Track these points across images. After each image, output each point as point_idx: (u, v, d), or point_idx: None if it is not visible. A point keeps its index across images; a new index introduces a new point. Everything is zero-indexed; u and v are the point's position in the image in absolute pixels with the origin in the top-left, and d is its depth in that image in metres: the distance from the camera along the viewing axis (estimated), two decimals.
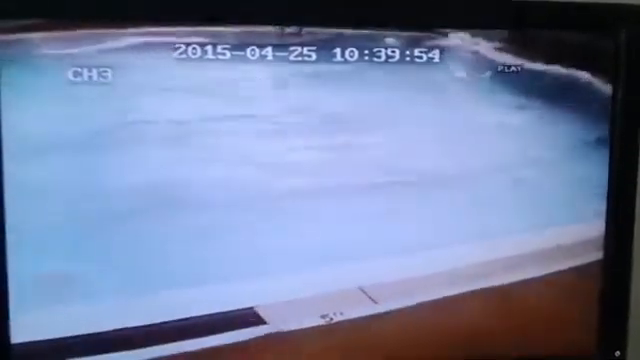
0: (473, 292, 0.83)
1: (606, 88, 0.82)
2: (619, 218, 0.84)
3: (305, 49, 0.76)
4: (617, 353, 0.86)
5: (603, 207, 0.84)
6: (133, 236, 0.76)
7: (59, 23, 0.72)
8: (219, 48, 0.75)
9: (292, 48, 0.76)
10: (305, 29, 0.76)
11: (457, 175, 0.82)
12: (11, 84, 0.72)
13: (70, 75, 0.72)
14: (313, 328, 0.80)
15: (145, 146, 0.75)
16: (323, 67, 0.77)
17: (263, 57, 0.75)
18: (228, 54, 0.75)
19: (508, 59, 0.80)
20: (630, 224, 0.84)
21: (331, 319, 0.81)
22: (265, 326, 0.79)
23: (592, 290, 0.86)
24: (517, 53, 0.80)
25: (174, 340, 0.78)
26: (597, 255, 0.85)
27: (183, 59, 0.74)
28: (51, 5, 0.72)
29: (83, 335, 0.76)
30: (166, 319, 0.77)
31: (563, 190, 0.84)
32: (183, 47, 0.74)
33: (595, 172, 0.84)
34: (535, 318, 0.85)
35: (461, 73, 0.80)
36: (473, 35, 0.79)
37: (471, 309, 0.84)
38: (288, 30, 0.76)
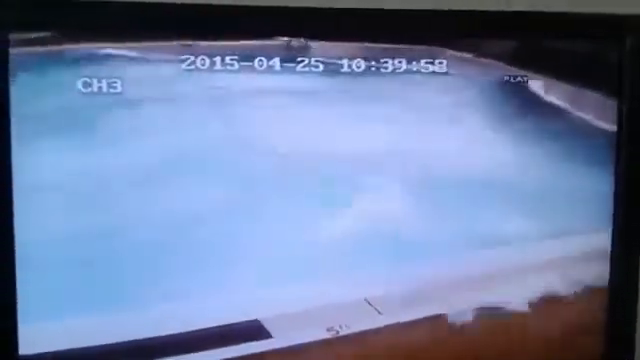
0: (479, 303, 0.83)
1: (611, 97, 0.83)
2: (626, 228, 0.84)
3: (312, 60, 0.77)
4: None
5: (610, 217, 0.84)
6: (138, 249, 0.76)
7: (70, 35, 0.72)
8: (227, 59, 0.75)
9: (299, 59, 0.76)
10: (311, 42, 0.77)
11: (462, 186, 0.81)
12: (22, 95, 0.72)
13: (80, 86, 0.73)
14: (319, 341, 0.80)
15: (150, 154, 0.75)
16: (330, 78, 0.77)
17: (270, 68, 0.76)
18: (236, 65, 0.75)
19: (512, 70, 0.81)
20: (637, 234, 0.84)
21: (337, 332, 0.80)
22: (270, 339, 0.79)
23: (599, 299, 0.86)
24: (521, 64, 0.81)
25: (179, 353, 0.77)
26: (604, 265, 0.85)
27: (191, 70, 0.75)
28: (62, 17, 0.73)
29: (89, 347, 0.75)
30: (172, 331, 0.77)
31: (569, 201, 0.84)
32: (192, 58, 0.74)
33: (601, 182, 0.84)
34: (542, 328, 0.85)
35: (466, 84, 0.80)
36: (477, 46, 0.80)
37: (477, 320, 0.83)
38: (295, 43, 0.76)
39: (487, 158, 0.82)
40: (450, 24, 0.79)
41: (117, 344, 0.76)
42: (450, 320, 0.83)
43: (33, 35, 0.71)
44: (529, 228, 0.83)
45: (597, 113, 0.83)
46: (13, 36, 0.71)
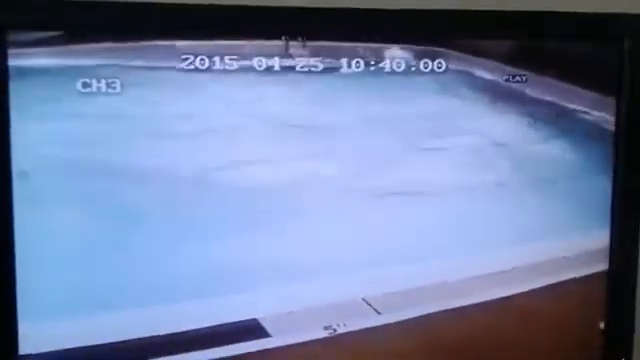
0: (478, 303, 0.83)
1: (610, 98, 0.83)
2: (624, 229, 0.84)
3: (311, 60, 0.77)
4: None
5: (608, 218, 0.84)
6: (137, 248, 0.76)
7: (68, 36, 0.72)
8: (226, 59, 0.75)
9: (298, 59, 0.76)
10: (309, 42, 0.77)
11: (461, 186, 0.82)
12: (21, 96, 0.72)
13: (79, 86, 0.73)
14: (316, 340, 0.80)
15: (151, 153, 0.75)
16: (329, 77, 0.77)
17: (270, 67, 0.76)
18: (235, 65, 0.75)
19: (511, 70, 0.81)
20: (635, 234, 0.85)
21: (334, 330, 0.80)
22: (269, 338, 0.79)
23: (598, 299, 0.86)
24: (521, 64, 0.81)
25: (178, 352, 0.77)
26: (603, 265, 0.85)
27: (191, 70, 0.75)
28: (61, 18, 0.72)
29: (88, 347, 0.75)
30: (171, 331, 0.77)
31: (568, 202, 0.84)
32: (191, 58, 0.74)
33: (600, 183, 0.84)
34: (541, 328, 0.85)
35: (465, 85, 0.80)
36: (476, 46, 0.80)
37: (476, 320, 0.84)
38: (293, 43, 0.76)
39: (486, 158, 0.82)
40: (449, 23, 0.79)
41: (116, 343, 0.76)
42: (449, 319, 0.83)
43: (32, 35, 0.71)
44: (527, 226, 0.84)
45: (596, 112, 0.83)
46: (11, 36, 0.71)
